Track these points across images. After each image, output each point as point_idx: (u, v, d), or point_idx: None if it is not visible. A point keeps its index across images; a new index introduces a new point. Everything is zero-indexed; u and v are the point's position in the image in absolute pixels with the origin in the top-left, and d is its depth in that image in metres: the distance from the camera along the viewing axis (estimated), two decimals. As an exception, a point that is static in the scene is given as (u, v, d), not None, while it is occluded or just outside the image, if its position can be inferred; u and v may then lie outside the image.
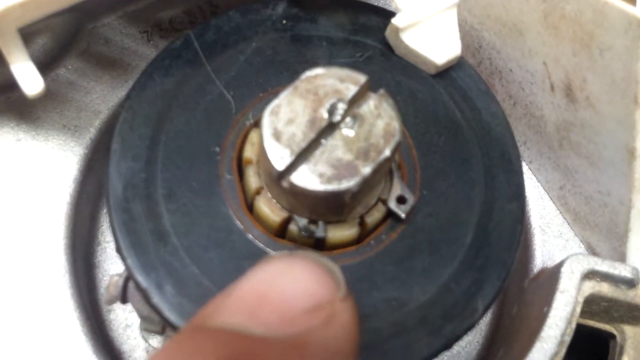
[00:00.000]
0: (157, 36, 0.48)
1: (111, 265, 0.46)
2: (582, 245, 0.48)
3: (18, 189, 0.42)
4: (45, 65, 0.45)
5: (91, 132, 0.45)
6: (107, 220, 0.41)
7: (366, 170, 0.33)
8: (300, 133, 0.33)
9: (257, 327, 0.26)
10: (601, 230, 0.45)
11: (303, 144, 0.33)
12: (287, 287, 0.27)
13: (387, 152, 0.33)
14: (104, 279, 0.46)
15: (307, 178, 0.33)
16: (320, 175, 0.33)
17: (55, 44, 0.45)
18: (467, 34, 0.49)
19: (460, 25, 0.46)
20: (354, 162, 0.33)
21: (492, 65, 0.48)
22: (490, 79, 0.49)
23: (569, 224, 0.49)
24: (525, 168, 0.50)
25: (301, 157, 0.33)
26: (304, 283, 0.28)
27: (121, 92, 0.46)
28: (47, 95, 0.44)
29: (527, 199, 0.49)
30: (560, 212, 0.49)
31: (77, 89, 0.46)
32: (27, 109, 0.44)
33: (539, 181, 0.50)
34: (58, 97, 0.45)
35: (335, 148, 0.33)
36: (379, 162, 0.33)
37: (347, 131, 0.34)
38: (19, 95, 0.42)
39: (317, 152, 0.33)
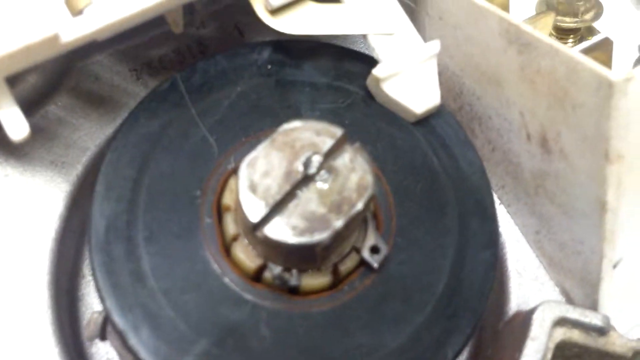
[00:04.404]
0: (146, 74, 0.49)
1: (95, 298, 0.47)
2: (556, 289, 0.49)
3: (4, 224, 0.43)
4: (34, 103, 0.46)
5: (78, 169, 0.45)
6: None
7: (338, 223, 0.34)
8: (275, 185, 0.34)
9: None
10: (574, 276, 0.46)
11: (278, 197, 0.34)
12: None
13: (359, 206, 0.34)
14: (87, 312, 0.47)
15: (281, 230, 0.34)
16: (294, 228, 0.34)
17: (45, 82, 0.46)
18: (448, 79, 0.50)
19: (442, 70, 0.47)
20: (326, 216, 0.34)
21: (473, 111, 0.49)
22: (470, 124, 0.50)
23: (544, 267, 0.49)
24: (503, 211, 0.51)
25: (276, 209, 0.34)
26: None
27: (109, 130, 0.47)
28: (36, 132, 0.45)
29: (504, 241, 0.50)
30: (537, 256, 0.50)
31: (65, 126, 0.46)
32: (15, 145, 0.45)
33: (516, 225, 0.51)
34: (47, 134, 0.46)
35: (309, 201, 0.34)
36: (351, 216, 0.34)
37: (321, 184, 0.35)
38: (6, 132, 0.43)
39: (292, 205, 0.34)
